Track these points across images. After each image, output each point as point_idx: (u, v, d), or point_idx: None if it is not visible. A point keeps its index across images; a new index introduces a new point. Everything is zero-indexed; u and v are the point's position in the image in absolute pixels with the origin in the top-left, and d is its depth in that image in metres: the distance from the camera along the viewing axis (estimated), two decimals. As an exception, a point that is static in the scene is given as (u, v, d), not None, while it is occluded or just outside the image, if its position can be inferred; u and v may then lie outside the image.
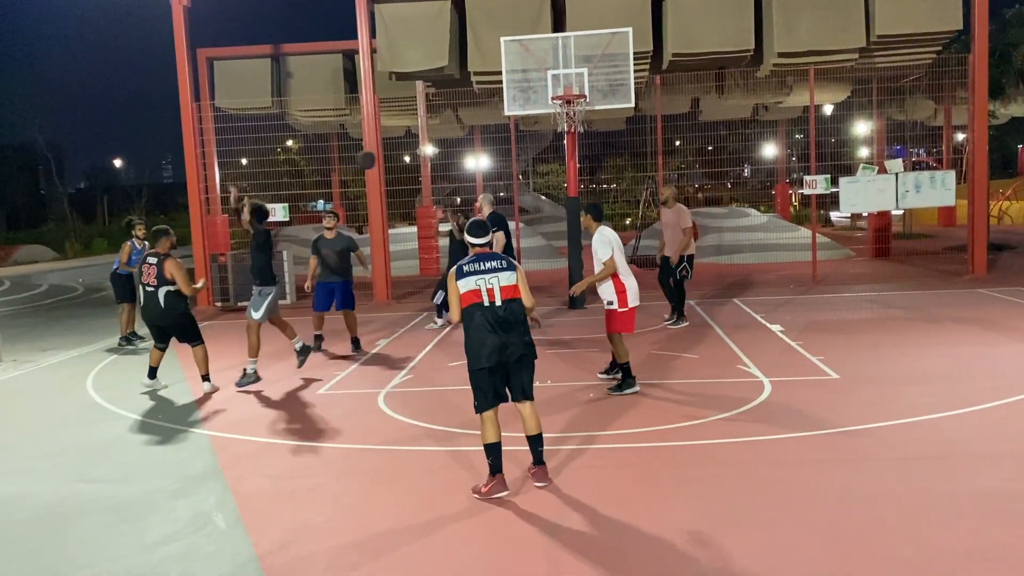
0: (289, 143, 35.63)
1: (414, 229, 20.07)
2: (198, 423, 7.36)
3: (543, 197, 37.43)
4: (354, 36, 15.00)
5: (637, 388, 7.53)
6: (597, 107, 12.07)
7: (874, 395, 7.16)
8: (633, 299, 7.52)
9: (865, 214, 20.02)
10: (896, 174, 14.00)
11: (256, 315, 8.85)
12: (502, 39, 12.16)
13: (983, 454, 5.55)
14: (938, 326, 10.27)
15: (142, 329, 11.34)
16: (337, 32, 19.32)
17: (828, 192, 14.57)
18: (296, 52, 19.56)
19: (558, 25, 14.70)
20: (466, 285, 5.21)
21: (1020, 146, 34.81)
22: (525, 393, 5.30)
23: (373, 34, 15.17)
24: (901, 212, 25.24)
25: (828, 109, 24.49)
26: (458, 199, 31.86)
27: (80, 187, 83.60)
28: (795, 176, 30.52)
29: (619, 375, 7.69)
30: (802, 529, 4.47)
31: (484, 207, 11.27)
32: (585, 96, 11.78)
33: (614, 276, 7.47)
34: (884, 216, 18.56)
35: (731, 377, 8.11)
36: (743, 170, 42.34)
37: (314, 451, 6.39)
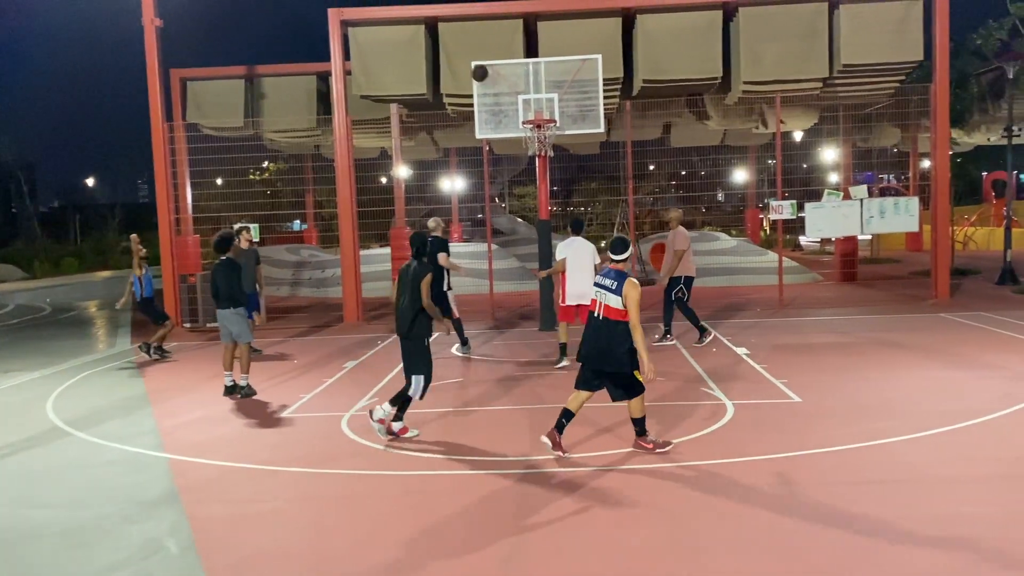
0: (266, 164, 35.57)
1: (388, 251, 20.07)
2: (158, 447, 7.28)
3: (519, 219, 37.52)
4: (328, 58, 15.05)
5: (566, 363, 9.59)
6: (567, 132, 12.19)
7: (836, 419, 7.23)
8: (571, 298, 9.59)
9: (833, 239, 20.27)
10: (861, 200, 14.22)
11: (250, 337, 9.34)
12: (473, 63, 12.25)
13: (942, 478, 5.63)
14: (900, 350, 10.41)
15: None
16: (311, 54, 19.39)
17: (795, 217, 14.74)
18: (270, 73, 19.57)
19: (531, 50, 14.84)
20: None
21: (984, 173, 35.48)
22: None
23: (347, 56, 15.23)
24: (869, 237, 25.64)
25: (798, 136, 24.90)
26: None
27: (53, 206, 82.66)
28: (766, 202, 30.93)
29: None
30: (763, 553, 4.50)
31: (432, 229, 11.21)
32: (555, 121, 11.89)
33: (562, 274, 9.68)
34: (851, 241, 18.83)
35: (695, 399, 8.16)
36: (716, 195, 42.82)
37: (273, 475, 6.34)
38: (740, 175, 31.41)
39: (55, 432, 8.00)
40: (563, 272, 9.69)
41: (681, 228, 11.55)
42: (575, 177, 47.71)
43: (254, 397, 9.12)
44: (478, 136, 12.55)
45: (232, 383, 9.28)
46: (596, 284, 6.24)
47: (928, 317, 13.21)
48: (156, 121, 15.69)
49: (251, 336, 9.30)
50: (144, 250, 12.29)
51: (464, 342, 11.26)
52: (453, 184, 28.53)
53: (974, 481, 5.54)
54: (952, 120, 18.04)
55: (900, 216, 14.17)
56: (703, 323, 11.57)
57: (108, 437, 7.66)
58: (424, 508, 5.43)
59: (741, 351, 10.76)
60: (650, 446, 6.34)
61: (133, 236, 12.60)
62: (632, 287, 6.00)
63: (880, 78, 14.90)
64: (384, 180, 28.15)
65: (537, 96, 11.94)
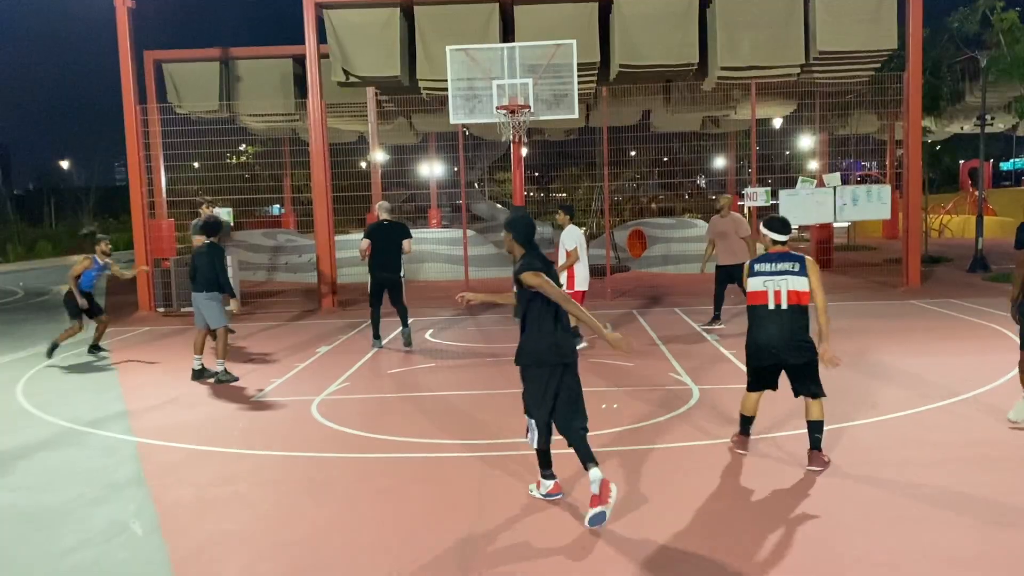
0: (243, 147, 35.30)
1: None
2: (127, 431, 7.27)
3: (498, 205, 37.52)
4: (304, 41, 14.95)
5: (585, 344, 10.12)
6: (541, 117, 12.23)
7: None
8: (580, 284, 9.89)
9: (808, 226, 20.46)
10: (834, 187, 14.35)
11: (223, 321, 9.22)
12: (447, 48, 12.25)
13: (897, 461, 5.74)
14: (865, 336, 10.55)
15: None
16: (287, 37, 19.24)
17: (769, 204, 14.86)
18: (245, 56, 19.41)
19: (507, 34, 14.82)
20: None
21: (962, 162, 35.84)
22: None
23: (322, 40, 15.13)
24: (846, 225, 25.89)
25: (777, 123, 25.03)
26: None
27: (27, 188, 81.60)
28: (746, 188, 31.11)
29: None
30: (718, 534, 4.58)
31: (381, 215, 10.79)
32: (529, 106, 11.90)
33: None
34: (826, 228, 19.00)
35: (662, 384, 8.25)
36: (696, 181, 42.98)
37: (241, 459, 6.36)
38: (720, 161, 31.53)
39: (24, 415, 7.96)
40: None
41: (736, 214, 11.61)
42: (556, 163, 47.74)
43: (221, 387, 9.10)
44: (452, 121, 12.56)
45: (200, 367, 9.27)
46: (770, 272, 5.50)
47: (898, 304, 13.39)
48: (129, 104, 15.54)
49: (225, 320, 9.24)
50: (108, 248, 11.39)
51: (377, 336, 10.96)
52: (432, 169, 28.43)
53: (929, 464, 5.65)
54: (926, 108, 18.24)
55: (873, 204, 14.32)
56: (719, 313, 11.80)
57: (77, 421, 7.64)
58: (391, 492, 5.48)
59: (712, 337, 10.87)
60: (826, 461, 5.59)
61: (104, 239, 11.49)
62: (815, 265, 5.54)
63: (855, 66, 15.01)
64: (364, 165, 28.09)
65: (512, 81, 11.94)
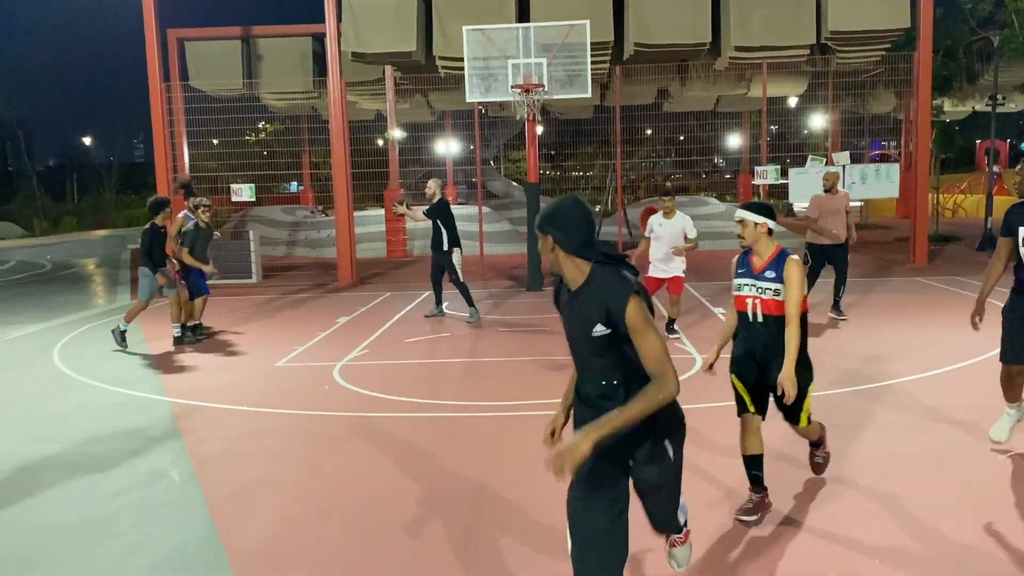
0: (262, 124, 35.73)
1: (382, 212, 20.45)
2: (160, 392, 7.73)
3: (514, 183, 37.80)
4: (323, 19, 15.27)
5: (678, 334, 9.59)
6: (555, 96, 12.51)
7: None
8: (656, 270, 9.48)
9: (798, 206, 20.59)
10: (843, 166, 14.58)
11: (147, 295, 9.74)
12: (464, 28, 12.53)
13: (888, 423, 6.08)
14: (867, 310, 10.87)
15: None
16: (306, 15, 19.54)
17: (779, 182, 15.11)
18: (266, 35, 19.75)
19: (522, 14, 15.08)
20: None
21: (978, 142, 35.67)
22: None
23: (341, 18, 15.44)
24: (859, 203, 25.99)
25: (793, 101, 25.12)
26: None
27: (49, 164, 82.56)
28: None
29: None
30: (713, 493, 4.97)
31: (436, 191, 10.82)
32: (543, 85, 12.19)
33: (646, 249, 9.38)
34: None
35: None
36: (712, 160, 43.01)
37: (267, 417, 6.80)
38: (734, 140, 31.63)
39: (63, 378, 8.45)
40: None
41: (844, 190, 10.72)
42: (571, 141, 47.86)
43: (246, 354, 9.56)
44: (468, 100, 12.88)
45: (180, 333, 9.98)
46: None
47: (903, 281, 13.65)
48: (154, 82, 15.95)
49: (148, 294, 9.63)
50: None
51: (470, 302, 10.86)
52: (448, 147, 28.73)
53: (916, 427, 6.00)
54: (939, 88, 18.35)
55: (881, 182, 14.55)
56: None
57: (113, 383, 8.11)
58: (407, 445, 5.89)
59: (718, 311, 11.21)
60: (826, 452, 5.00)
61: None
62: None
63: (867, 45, 15.19)
64: (380, 143, 28.46)
65: (526, 61, 12.22)
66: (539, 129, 45.52)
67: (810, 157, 14.97)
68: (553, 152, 63.52)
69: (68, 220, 38.65)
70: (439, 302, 11.32)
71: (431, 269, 11.14)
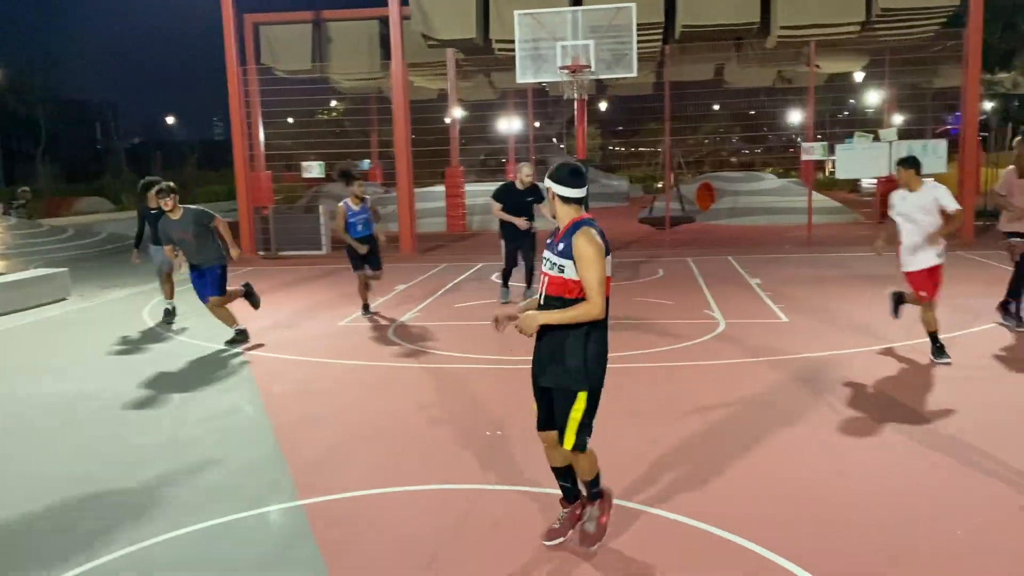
0: (333, 103, 37.07)
1: (443, 188, 21.36)
2: (239, 344, 8.78)
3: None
4: (388, 4, 16.14)
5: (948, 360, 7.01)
6: (601, 76, 13.11)
7: (808, 334, 8.28)
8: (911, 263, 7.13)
9: (868, 182, 20.68)
10: (890, 142, 14.80)
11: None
12: (515, 12, 13.22)
13: (886, 378, 6.67)
14: (898, 282, 11.22)
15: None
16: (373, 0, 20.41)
17: (826, 158, 15.39)
18: (336, 18, 20.73)
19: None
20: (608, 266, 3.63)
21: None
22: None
23: (405, 2, 16.27)
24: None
25: (859, 76, 24.97)
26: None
27: (135, 143, 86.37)
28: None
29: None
30: (719, 444, 5.69)
31: (526, 170, 10.18)
32: (590, 66, 12.81)
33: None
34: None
35: (693, 319, 9.27)
36: (777, 136, 42.63)
37: (328, 366, 7.76)
38: (796, 116, 31.47)
39: (153, 333, 9.61)
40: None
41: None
42: (637, 118, 47.98)
43: (313, 315, 10.57)
44: (518, 80, 13.60)
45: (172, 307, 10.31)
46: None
47: (949, 256, 13.85)
48: (231, 65, 17.10)
49: (159, 267, 10.32)
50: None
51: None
52: (510, 125, 29.44)
53: (916, 388, 6.57)
54: (998, 63, 18.23)
55: (928, 158, 14.65)
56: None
57: (197, 338, 9.21)
58: (447, 391, 6.76)
59: (754, 282, 11.75)
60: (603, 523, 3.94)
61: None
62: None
63: (918, 21, 15.27)
64: (447, 120, 29.42)
65: (574, 43, 12.85)
66: (603, 106, 45.61)
67: (856, 133, 15.21)
68: (621, 128, 63.66)
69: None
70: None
71: (513, 254, 10.46)
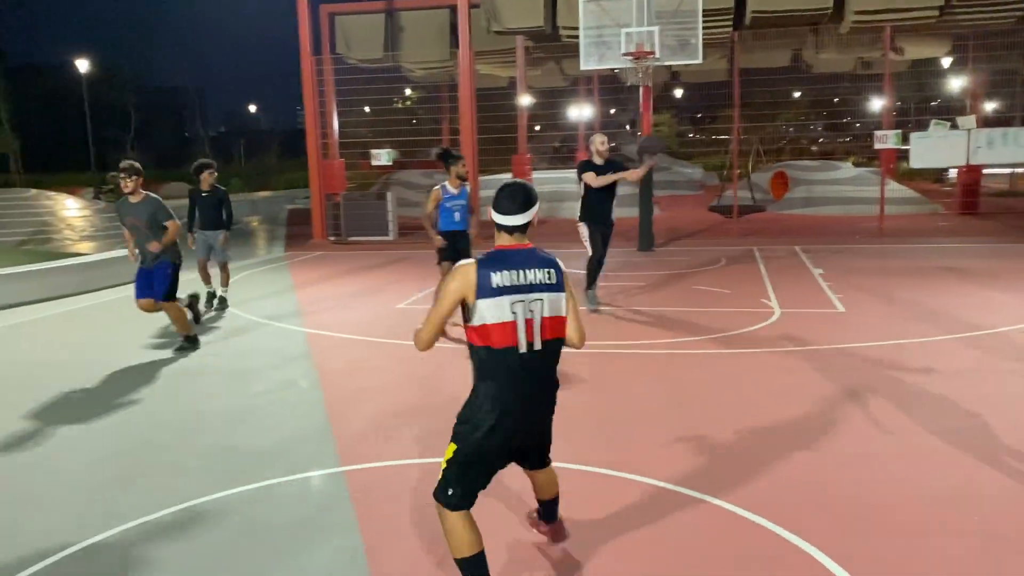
0: (408, 91, 37.67)
1: (510, 176, 21.54)
2: (299, 324, 9.14)
3: (649, 147, 37.94)
4: (457, -7, 16.39)
5: None
6: (665, 62, 13.02)
7: (862, 324, 8.15)
8: None
9: (954, 171, 19.94)
10: (968, 130, 14.27)
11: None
12: (580, 0, 13.23)
13: (919, 369, 6.55)
14: (964, 275, 10.88)
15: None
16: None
17: (900, 147, 14.95)
18: (408, 7, 21.07)
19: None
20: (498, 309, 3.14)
21: None
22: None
23: (473, -8, 16.48)
24: (1010, 171, 24.70)
25: (946, 62, 24.05)
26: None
27: (220, 131, 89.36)
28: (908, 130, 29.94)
29: None
30: (764, 423, 5.72)
31: (599, 139, 9.01)
32: (654, 52, 12.74)
33: None
34: (973, 172, 18.57)
35: (749, 308, 9.21)
36: (852, 123, 41.31)
37: (383, 346, 8.03)
38: (877, 103, 30.46)
39: (225, 313, 10.08)
40: None
41: None
42: (715, 104, 47.20)
43: (373, 297, 10.88)
44: (582, 67, 13.63)
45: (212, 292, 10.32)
46: (518, 287, 3.13)
47: (1020, 247, 13.34)
48: (305, 54, 17.61)
49: (201, 253, 10.38)
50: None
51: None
52: (580, 112, 29.39)
53: (950, 374, 6.43)
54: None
55: (1009, 147, 14.15)
56: None
57: (262, 316, 9.63)
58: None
59: (817, 271, 11.55)
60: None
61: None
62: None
63: (1000, 6, 14.66)
64: (523, 104, 29.53)
65: (639, 29, 12.80)
66: (678, 93, 44.96)
67: (933, 122, 14.70)
68: (699, 115, 62.68)
69: (235, 182, 42.29)
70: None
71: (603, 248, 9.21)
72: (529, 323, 3.16)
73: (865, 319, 8.45)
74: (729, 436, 5.16)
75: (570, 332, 3.32)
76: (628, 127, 42.19)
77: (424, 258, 14.33)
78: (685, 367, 6.86)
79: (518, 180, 3.42)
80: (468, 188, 8.46)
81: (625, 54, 12.83)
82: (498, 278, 3.13)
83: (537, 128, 40.44)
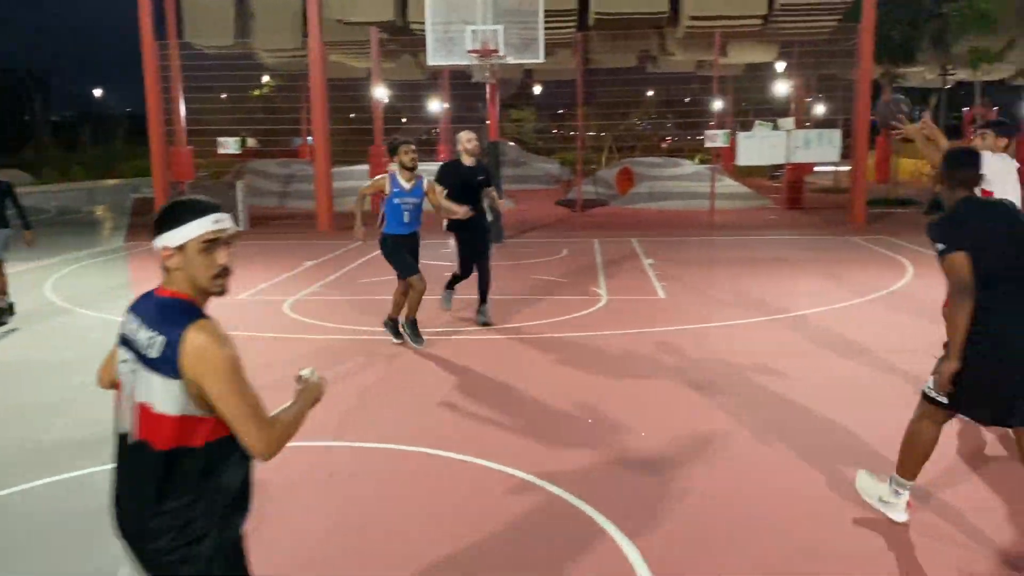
0: (265, 79, 36.66)
1: (367, 167, 21.52)
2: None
3: (510, 143, 38.68)
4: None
5: None
6: (510, 61, 13.45)
7: (680, 309, 8.85)
8: None
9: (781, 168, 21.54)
10: (787, 131, 15.53)
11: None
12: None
13: (699, 358, 7.23)
14: (785, 264, 11.93)
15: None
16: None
17: (728, 146, 16.05)
18: (258, -7, 20.61)
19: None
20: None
21: (965, 110, 36.15)
22: None
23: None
24: (833, 169, 26.84)
25: (780, 67, 25.81)
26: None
27: (64, 114, 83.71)
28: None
29: None
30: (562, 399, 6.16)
31: (465, 136, 8.08)
32: (498, 50, 13.14)
33: None
34: (797, 170, 20.12)
35: (581, 296, 9.77)
36: (697, 123, 43.50)
37: (218, 336, 8.02)
38: (720, 104, 32.29)
39: (52, 306, 9.73)
40: None
41: None
42: (570, 102, 48.44)
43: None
44: (429, 63, 13.88)
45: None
46: (129, 344, 2.24)
47: (837, 240, 14.66)
48: (147, 39, 16.99)
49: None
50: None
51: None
52: (441, 106, 29.64)
53: (749, 352, 7.15)
54: (902, 57, 19.16)
55: (824, 147, 15.50)
56: None
57: (89, 308, 9.38)
58: (326, 362, 7.11)
59: (648, 262, 12.32)
60: None
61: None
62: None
63: (817, 17, 16.01)
64: (386, 100, 29.32)
65: (483, 27, 13.15)
66: (537, 90, 45.39)
67: (757, 122, 15.90)
68: (561, 112, 64.13)
69: (78, 169, 39.93)
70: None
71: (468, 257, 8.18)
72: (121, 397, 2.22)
73: (681, 304, 9.16)
74: (538, 414, 5.59)
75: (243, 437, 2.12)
76: (487, 121, 42.71)
77: (276, 250, 14.22)
78: (507, 351, 7.27)
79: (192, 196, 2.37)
80: (425, 182, 7.30)
81: (471, 51, 13.16)
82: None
83: (404, 120, 40.38)
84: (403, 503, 4.27)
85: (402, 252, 7.37)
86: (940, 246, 3.49)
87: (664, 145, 45.83)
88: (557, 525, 3.99)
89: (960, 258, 3.43)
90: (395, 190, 7.19)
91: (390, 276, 11.30)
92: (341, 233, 16.52)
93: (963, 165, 3.70)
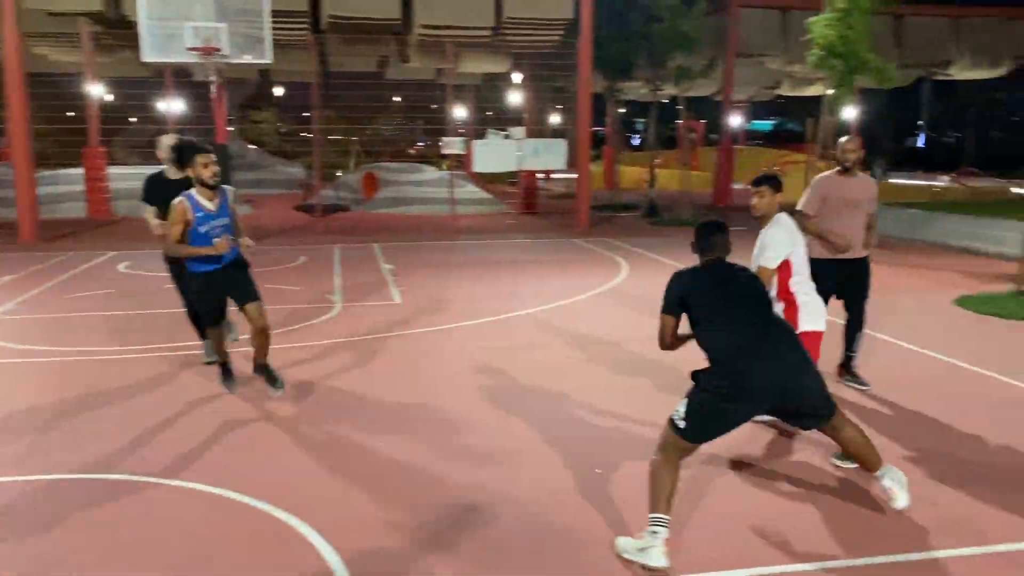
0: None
1: (82, 170, 19.65)
2: None
3: (250, 145, 37.11)
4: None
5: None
6: (234, 61, 12.92)
7: (412, 314, 8.96)
8: (809, 320, 4.91)
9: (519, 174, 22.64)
10: (518, 140, 16.31)
11: None
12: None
13: (425, 362, 7.43)
14: (515, 265, 12.50)
15: None
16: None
17: (464, 153, 16.53)
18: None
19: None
20: None
21: (679, 122, 40.13)
22: None
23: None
24: (568, 176, 28.62)
25: (518, 77, 26.94)
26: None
27: None
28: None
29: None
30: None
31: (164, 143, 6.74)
32: (220, 48, 12.56)
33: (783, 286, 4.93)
34: (531, 177, 21.20)
35: (314, 303, 9.57)
36: (441, 129, 44.63)
37: None
38: (461, 112, 33.21)
39: None
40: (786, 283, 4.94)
41: None
42: (312, 105, 47.51)
43: None
44: (144, 59, 12.99)
45: None
46: None
47: (562, 242, 15.62)
48: None
49: None
50: None
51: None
52: (169, 106, 27.72)
53: (472, 351, 7.40)
54: (620, 73, 20.77)
55: (550, 155, 16.45)
56: None
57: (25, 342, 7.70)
58: (43, 386, 6.36)
59: (387, 267, 12.35)
60: None
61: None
62: None
63: (541, 31, 16.96)
64: (111, 98, 26.78)
65: (205, 24, 12.52)
66: (279, 91, 44.01)
67: (489, 131, 16.54)
68: (304, 114, 62.47)
69: None
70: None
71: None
72: None
73: (414, 308, 9.28)
74: (225, 426, 5.39)
75: None
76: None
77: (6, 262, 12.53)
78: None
79: None
80: (230, 194, 5.89)
81: (191, 48, 12.46)
82: None
83: (134, 120, 37.37)
84: (107, 536, 3.92)
85: (214, 298, 5.97)
86: None
87: (414, 151, 46.27)
88: (257, 537, 3.87)
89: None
90: (198, 215, 5.59)
91: (105, 290, 10.44)
92: (52, 244, 14.95)
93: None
